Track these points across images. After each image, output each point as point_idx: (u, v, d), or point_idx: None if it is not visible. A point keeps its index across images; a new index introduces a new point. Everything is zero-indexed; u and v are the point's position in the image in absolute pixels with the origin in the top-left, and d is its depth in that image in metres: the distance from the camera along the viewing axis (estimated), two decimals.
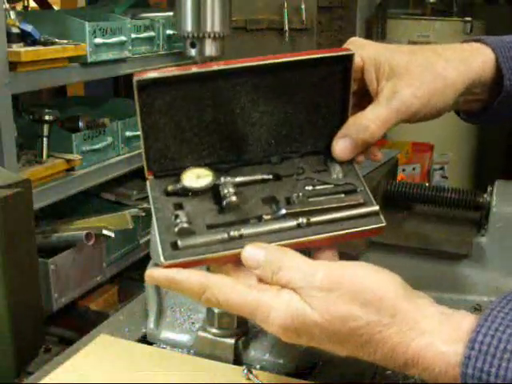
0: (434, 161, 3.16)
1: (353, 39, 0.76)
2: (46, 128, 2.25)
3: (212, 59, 0.86)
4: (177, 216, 0.65)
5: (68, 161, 2.27)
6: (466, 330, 0.56)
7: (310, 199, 0.68)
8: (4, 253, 1.01)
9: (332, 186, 0.70)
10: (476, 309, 0.84)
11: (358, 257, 0.96)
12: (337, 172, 0.71)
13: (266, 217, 0.66)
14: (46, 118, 2.24)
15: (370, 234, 0.69)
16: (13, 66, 1.97)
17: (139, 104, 0.66)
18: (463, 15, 3.51)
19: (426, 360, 0.56)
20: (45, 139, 2.24)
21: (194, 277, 0.62)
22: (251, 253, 0.63)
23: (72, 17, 2.34)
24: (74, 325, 2.13)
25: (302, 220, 0.65)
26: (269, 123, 0.71)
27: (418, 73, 0.72)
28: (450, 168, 3.37)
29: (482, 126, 3.39)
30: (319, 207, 0.67)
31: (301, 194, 0.68)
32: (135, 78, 0.64)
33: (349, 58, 0.70)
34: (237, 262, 0.64)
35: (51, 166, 2.19)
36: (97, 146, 2.46)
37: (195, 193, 0.67)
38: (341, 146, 0.71)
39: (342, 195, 0.69)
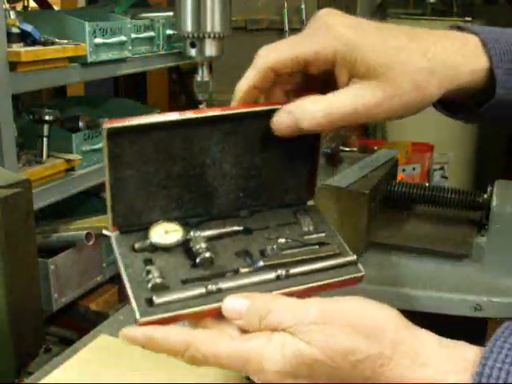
0: (434, 161, 3.16)
1: (325, 19, 0.64)
2: (45, 128, 2.25)
3: (212, 59, 0.86)
4: (148, 272, 0.62)
5: (68, 161, 2.27)
6: (471, 362, 0.54)
7: (285, 251, 0.66)
8: (4, 253, 1.01)
9: (304, 237, 0.68)
10: (476, 309, 0.84)
11: (358, 258, 0.96)
12: (308, 224, 0.69)
13: (242, 270, 0.64)
14: (46, 118, 2.24)
15: (350, 284, 0.67)
16: (13, 66, 1.97)
17: (108, 153, 0.63)
18: (463, 15, 3.51)
19: None
20: (45, 139, 2.24)
21: (174, 333, 0.58)
22: (233, 304, 0.59)
23: (72, 17, 2.34)
24: (73, 325, 2.13)
25: (281, 272, 0.63)
26: (239, 175, 0.69)
27: (395, 82, 0.62)
28: (450, 168, 3.37)
29: (482, 126, 3.39)
30: (297, 258, 0.65)
31: (275, 246, 0.66)
32: (105, 126, 0.61)
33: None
34: (216, 316, 0.60)
35: (51, 166, 2.19)
36: (97, 146, 2.46)
37: (165, 248, 0.65)
38: (280, 117, 0.64)
39: (316, 246, 0.67)
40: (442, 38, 0.66)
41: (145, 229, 0.66)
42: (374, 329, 0.55)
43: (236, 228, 0.68)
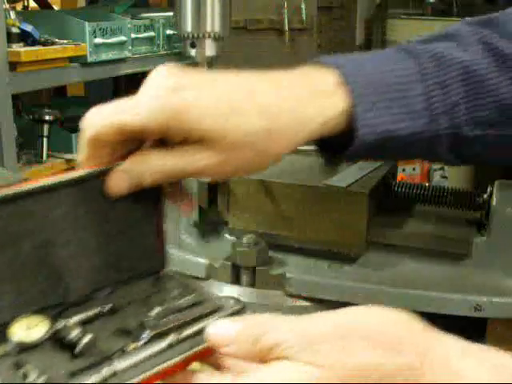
0: None
1: (155, 74, 0.58)
2: (45, 128, 2.25)
3: (212, 59, 0.86)
4: (25, 375, 0.53)
5: (68, 161, 2.27)
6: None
7: (164, 319, 0.60)
8: None
9: (177, 301, 0.63)
10: (476, 309, 0.84)
11: (358, 257, 0.97)
12: (173, 289, 0.65)
13: (130, 347, 0.57)
14: (46, 118, 2.24)
15: None
16: (13, 66, 1.97)
17: None
18: (463, 15, 3.51)
19: None
20: (45, 139, 2.25)
21: None
22: (220, 328, 0.52)
23: (72, 17, 2.34)
24: None
25: (172, 338, 0.57)
26: (90, 249, 0.62)
27: (230, 145, 0.56)
28: (450, 168, 3.37)
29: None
30: (181, 322, 0.59)
31: (151, 317, 0.60)
32: None
33: (101, 177, 0.60)
34: None
35: (51, 166, 2.20)
36: None
37: (34, 346, 0.56)
38: (117, 177, 0.58)
39: (192, 307, 0.62)
40: (294, 84, 0.60)
41: (2, 331, 0.56)
42: (397, 339, 0.49)
43: (102, 308, 0.61)
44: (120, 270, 0.65)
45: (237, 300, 0.63)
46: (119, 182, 0.58)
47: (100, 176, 0.59)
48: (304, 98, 0.59)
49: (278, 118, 0.57)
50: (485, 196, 1.05)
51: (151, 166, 0.58)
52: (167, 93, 0.55)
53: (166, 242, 0.67)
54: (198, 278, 0.95)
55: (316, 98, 0.59)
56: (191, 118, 0.55)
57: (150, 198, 0.63)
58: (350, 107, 0.60)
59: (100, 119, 0.58)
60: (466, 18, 0.73)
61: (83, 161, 0.59)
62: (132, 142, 0.58)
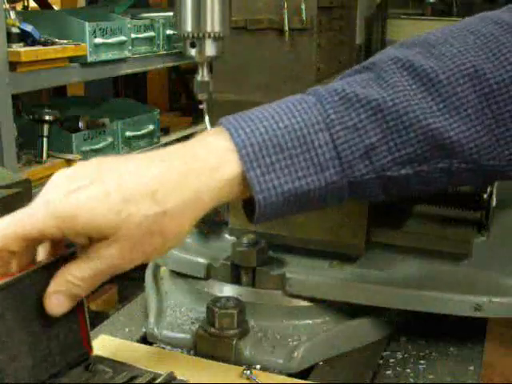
0: None
1: (51, 181, 0.60)
2: (45, 128, 2.25)
3: (212, 59, 0.86)
4: None
5: (68, 161, 2.27)
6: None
7: None
8: None
9: (113, 380, 0.68)
10: (476, 309, 0.84)
11: (358, 257, 0.96)
12: (105, 369, 0.69)
13: None
14: (46, 118, 2.24)
15: None
16: (13, 66, 1.97)
17: None
18: (463, 15, 3.51)
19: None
20: (45, 139, 2.25)
21: None
22: None
23: (72, 17, 2.34)
24: None
25: None
26: (23, 352, 0.63)
27: (128, 235, 0.58)
28: None
29: None
30: None
31: None
32: None
33: (69, 258, 0.63)
34: None
35: (51, 166, 2.20)
36: (97, 146, 2.46)
37: None
38: (54, 302, 0.62)
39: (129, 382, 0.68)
40: (184, 160, 0.59)
41: None
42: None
43: None
44: (51, 364, 0.67)
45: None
46: (58, 304, 0.62)
47: (24, 280, 0.61)
48: (194, 172, 0.58)
49: (169, 200, 0.57)
50: (485, 196, 1.05)
51: (75, 279, 0.61)
52: (59, 198, 0.57)
53: (89, 330, 0.70)
54: (198, 278, 0.95)
55: (206, 171, 0.58)
56: (82, 220, 0.57)
57: None
58: (244, 173, 0.58)
59: (1, 231, 0.58)
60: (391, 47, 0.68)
61: None
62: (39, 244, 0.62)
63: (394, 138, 0.59)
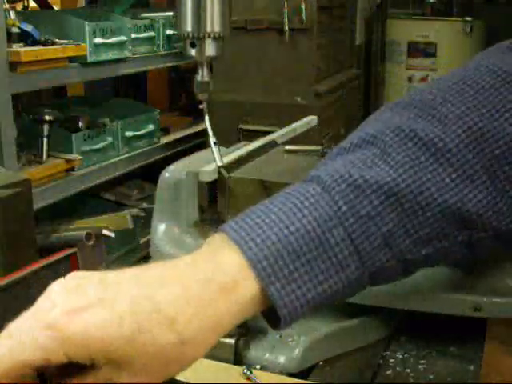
0: None
1: (50, 291, 0.53)
2: (45, 128, 2.25)
3: (212, 59, 0.86)
4: None
5: (68, 161, 2.27)
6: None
7: None
8: (4, 253, 1.01)
9: None
10: (476, 309, 0.84)
11: None
12: None
13: None
14: (46, 118, 2.25)
15: None
16: (13, 66, 1.97)
17: None
18: (463, 15, 3.52)
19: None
20: (45, 139, 2.25)
21: None
22: None
23: (72, 17, 2.34)
24: None
25: None
26: None
27: (142, 364, 0.52)
28: None
29: None
30: None
31: None
32: None
33: (69, 259, 0.65)
34: None
35: (51, 166, 2.20)
36: (97, 146, 2.46)
37: None
38: None
39: None
40: (198, 279, 0.54)
41: None
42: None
43: None
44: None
45: None
46: None
47: (25, 280, 0.62)
48: (211, 298, 0.54)
49: (188, 329, 0.53)
50: None
51: None
52: (63, 318, 0.50)
53: None
54: None
55: (224, 295, 0.54)
56: (95, 347, 0.50)
57: None
58: (263, 289, 0.54)
59: (6, 359, 0.51)
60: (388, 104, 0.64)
61: None
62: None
63: (412, 219, 0.56)
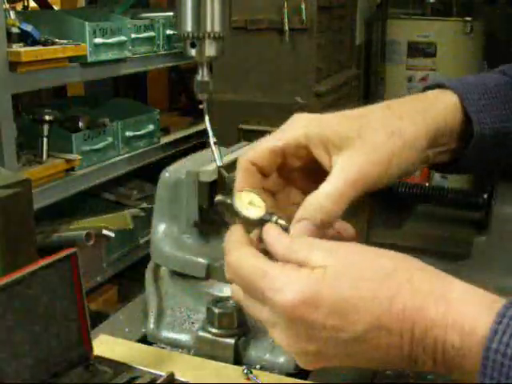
0: None
1: (295, 116, 0.67)
2: (45, 128, 2.25)
3: (212, 59, 0.86)
4: None
5: (68, 161, 2.27)
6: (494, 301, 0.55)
7: None
8: (4, 253, 1.01)
9: (114, 381, 0.70)
10: None
11: None
12: (105, 369, 0.71)
13: None
14: (46, 118, 2.24)
15: None
16: (13, 66, 1.97)
17: None
18: (463, 15, 3.51)
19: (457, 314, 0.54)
20: (45, 139, 2.25)
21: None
22: (274, 239, 0.59)
23: (72, 17, 2.34)
24: None
25: None
26: (23, 352, 0.65)
27: (370, 136, 0.62)
28: None
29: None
30: None
31: None
32: None
33: (69, 259, 0.67)
34: None
35: (51, 166, 2.20)
36: (97, 146, 2.46)
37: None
38: (298, 230, 0.61)
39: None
40: (402, 100, 0.67)
41: None
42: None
43: None
44: (52, 364, 0.68)
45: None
46: (301, 228, 0.62)
47: (25, 280, 0.63)
48: (419, 99, 0.68)
49: (400, 108, 0.66)
50: (485, 196, 1.05)
51: (322, 199, 0.62)
52: (307, 115, 0.66)
53: (89, 330, 0.71)
54: (198, 278, 0.95)
55: (429, 98, 0.68)
56: (328, 127, 0.64)
57: (68, 291, 0.68)
58: (460, 104, 0.67)
59: (253, 147, 0.66)
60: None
61: (238, 185, 0.65)
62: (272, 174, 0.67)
63: None
